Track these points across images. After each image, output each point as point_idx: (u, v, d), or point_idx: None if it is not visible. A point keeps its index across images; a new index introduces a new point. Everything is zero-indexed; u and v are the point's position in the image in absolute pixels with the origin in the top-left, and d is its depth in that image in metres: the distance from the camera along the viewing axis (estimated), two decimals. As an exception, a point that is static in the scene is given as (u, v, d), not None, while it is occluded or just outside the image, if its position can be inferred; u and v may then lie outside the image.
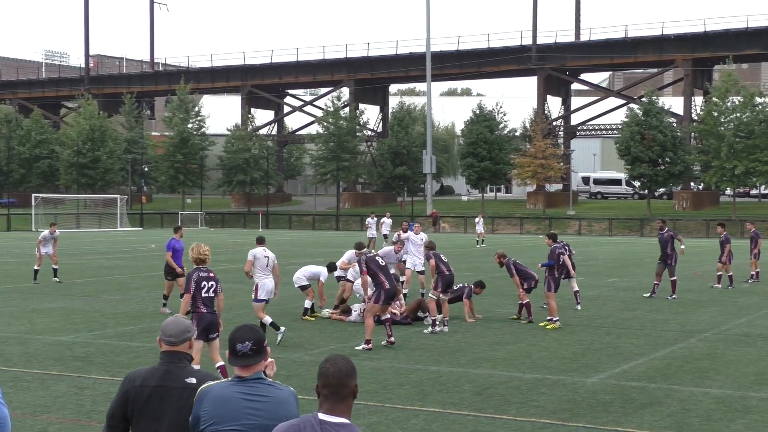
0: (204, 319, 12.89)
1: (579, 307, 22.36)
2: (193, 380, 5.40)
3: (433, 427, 10.93)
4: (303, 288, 20.85)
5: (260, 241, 18.11)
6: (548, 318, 19.88)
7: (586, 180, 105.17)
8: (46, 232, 30.40)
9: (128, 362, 14.85)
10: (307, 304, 20.75)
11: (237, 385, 5.07)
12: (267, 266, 17.52)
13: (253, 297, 17.67)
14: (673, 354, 16.31)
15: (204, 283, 13.07)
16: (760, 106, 77.04)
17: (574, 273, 22.28)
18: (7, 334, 17.95)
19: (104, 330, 18.64)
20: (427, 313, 19.29)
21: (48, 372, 14.05)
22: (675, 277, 25.93)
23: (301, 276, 21.00)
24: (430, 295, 19.50)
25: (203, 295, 13.01)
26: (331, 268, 21.92)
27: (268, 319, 17.26)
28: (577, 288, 22.60)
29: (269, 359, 5.27)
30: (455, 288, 20.04)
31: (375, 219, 49.85)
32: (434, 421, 11.20)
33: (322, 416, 4.42)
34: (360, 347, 16.40)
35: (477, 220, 57.19)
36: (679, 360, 15.68)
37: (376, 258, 17.24)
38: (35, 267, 29.47)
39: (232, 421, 5.01)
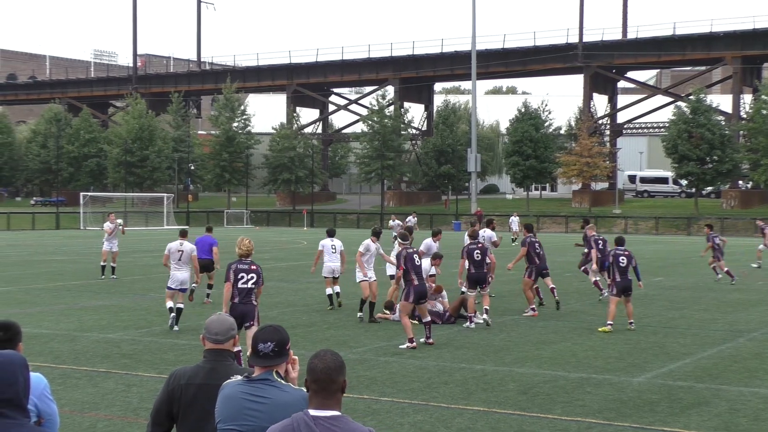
0: (235, 309, 13.53)
1: (543, 303, 22.74)
2: (239, 377, 5.40)
3: (477, 426, 10.90)
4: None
5: (182, 234, 20.03)
6: (531, 307, 21.16)
7: (632, 178, 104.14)
8: (107, 223, 30.05)
9: (175, 359, 14.98)
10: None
11: (244, 384, 5.02)
12: (180, 259, 19.05)
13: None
14: (721, 354, 16.12)
15: (243, 275, 13.71)
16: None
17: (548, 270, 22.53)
18: (56, 331, 18.20)
19: (151, 327, 18.83)
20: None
21: (96, 369, 14.22)
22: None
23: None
24: (465, 291, 19.53)
25: (239, 285, 13.70)
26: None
27: (170, 304, 18.77)
28: (552, 285, 22.29)
29: (293, 358, 5.24)
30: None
31: (397, 221, 48.53)
32: (479, 420, 11.17)
33: (313, 412, 4.40)
34: (404, 346, 16.41)
35: (512, 219, 57.62)
36: (727, 360, 15.50)
37: (414, 255, 17.23)
38: (102, 262, 29.72)
39: (232, 421, 4.98)
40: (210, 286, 23.33)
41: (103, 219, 33.47)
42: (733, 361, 15.41)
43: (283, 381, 5.06)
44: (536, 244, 22.10)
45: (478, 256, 19.28)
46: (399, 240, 18.32)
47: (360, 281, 20.34)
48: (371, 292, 20.04)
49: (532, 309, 21.30)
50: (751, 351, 16.41)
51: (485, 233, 25.04)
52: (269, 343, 5.05)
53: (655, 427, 10.95)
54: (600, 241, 24.59)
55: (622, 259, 18.98)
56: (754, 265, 35.96)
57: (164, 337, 17.48)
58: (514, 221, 56.54)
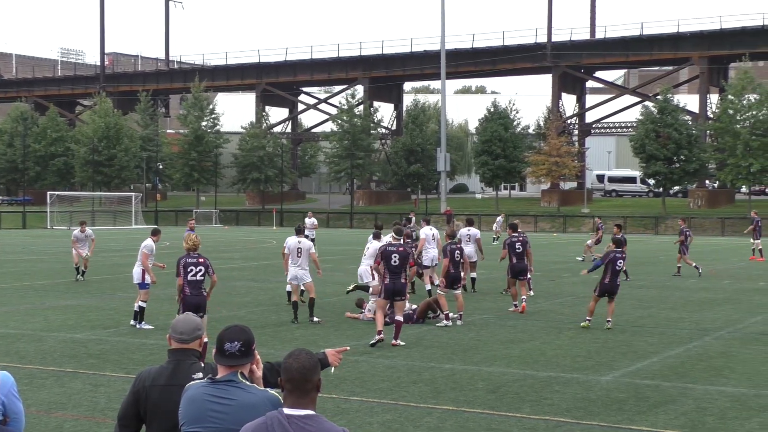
0: (188, 301, 14.45)
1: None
2: (200, 375, 5.34)
3: (446, 425, 10.92)
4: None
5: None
6: (514, 303, 21.68)
7: (600, 178, 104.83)
8: (76, 231, 29.74)
9: (143, 359, 14.89)
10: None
11: (208, 386, 4.97)
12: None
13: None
14: (688, 352, 16.25)
15: (192, 268, 14.60)
16: (776, 104, 76.63)
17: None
18: (22, 331, 18.03)
19: (119, 327, 18.70)
20: (438, 313, 19.42)
21: (63, 369, 14.11)
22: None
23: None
24: (438, 291, 19.60)
25: (189, 278, 14.54)
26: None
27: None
28: (525, 296, 22.22)
29: (257, 358, 5.20)
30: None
31: (313, 219, 45.71)
32: (448, 419, 11.19)
33: (287, 411, 4.41)
34: (373, 341, 16.42)
35: (498, 219, 58.00)
36: (694, 358, 15.63)
37: (393, 254, 17.13)
38: (75, 265, 29.11)
39: (196, 423, 4.93)
40: None
41: (71, 219, 32.92)
42: (700, 359, 15.53)
43: (247, 382, 5.02)
44: (516, 244, 22.36)
45: (458, 256, 19.37)
46: (393, 234, 18.31)
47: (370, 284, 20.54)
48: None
49: (515, 305, 21.64)
50: (717, 350, 16.55)
51: (470, 231, 25.60)
52: (236, 343, 5.01)
53: (623, 425, 11.02)
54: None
55: (620, 263, 19.09)
56: None
57: (132, 337, 17.37)
58: (499, 221, 56.89)
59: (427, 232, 24.42)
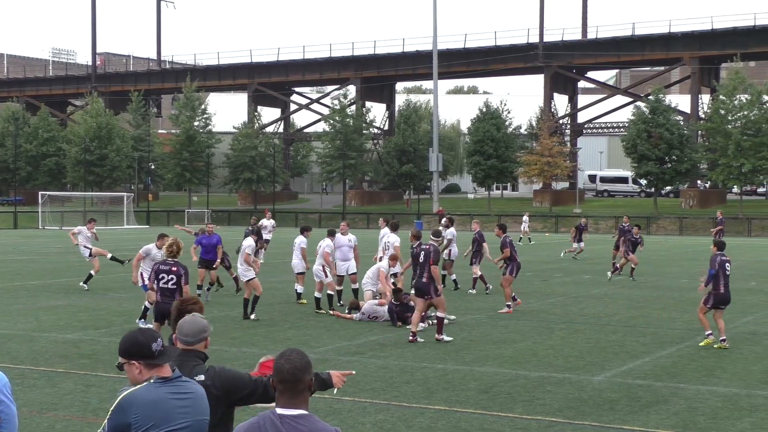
0: (158, 307, 14.45)
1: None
2: (202, 377, 5.37)
3: (438, 425, 10.93)
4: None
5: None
6: (507, 304, 21.59)
7: (592, 178, 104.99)
8: (84, 229, 28.20)
9: (135, 360, 14.84)
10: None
11: (164, 386, 4.94)
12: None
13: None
14: (680, 352, 16.29)
15: (163, 275, 14.37)
16: (767, 104, 76.85)
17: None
18: (14, 331, 17.99)
19: (111, 328, 18.67)
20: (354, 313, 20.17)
21: (55, 369, 14.07)
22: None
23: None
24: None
25: (161, 285, 14.36)
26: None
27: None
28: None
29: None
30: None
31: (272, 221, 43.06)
32: (440, 419, 11.20)
33: (280, 411, 4.44)
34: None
35: (524, 218, 58.45)
36: (686, 358, 15.66)
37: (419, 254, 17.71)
38: (92, 272, 26.90)
39: (168, 423, 4.88)
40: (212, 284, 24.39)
41: (62, 219, 31.91)
42: (692, 359, 15.57)
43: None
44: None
45: (422, 258, 18.10)
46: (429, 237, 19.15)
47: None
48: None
49: (508, 306, 21.64)
50: (708, 350, 16.58)
51: (446, 231, 25.50)
52: (159, 341, 5.07)
53: (615, 425, 11.04)
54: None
55: (728, 266, 16.98)
56: None
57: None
58: (526, 221, 58.08)
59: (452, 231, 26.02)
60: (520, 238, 55.02)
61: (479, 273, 25.71)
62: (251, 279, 20.18)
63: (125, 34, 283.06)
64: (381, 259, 22.27)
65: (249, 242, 20.84)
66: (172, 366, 5.05)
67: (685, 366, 14.91)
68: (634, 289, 27.59)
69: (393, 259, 21.44)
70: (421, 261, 17.31)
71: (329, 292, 21.38)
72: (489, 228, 33.15)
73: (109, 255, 28.05)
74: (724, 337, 16.65)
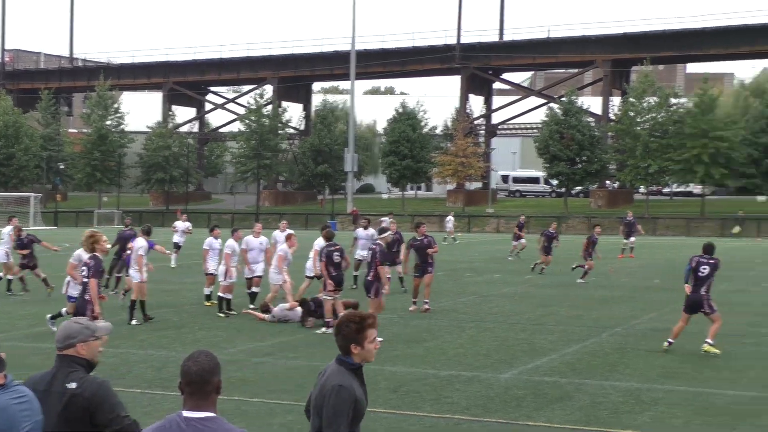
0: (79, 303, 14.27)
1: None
2: (73, 385, 5.28)
3: (346, 425, 10.93)
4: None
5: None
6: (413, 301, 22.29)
7: (505, 178, 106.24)
8: (8, 228, 26.92)
9: (40, 364, 14.51)
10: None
11: (4, 393, 4.81)
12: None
13: None
14: (585, 349, 16.63)
15: (83, 268, 14.22)
16: (674, 107, 78.85)
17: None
18: None
19: (13, 331, 18.26)
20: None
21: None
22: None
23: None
24: (324, 296, 18.85)
25: (83, 280, 14.12)
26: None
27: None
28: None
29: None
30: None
31: (188, 223, 40.42)
32: (348, 419, 11.20)
33: (186, 414, 4.39)
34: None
35: (447, 218, 58.69)
36: (590, 355, 16.00)
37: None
38: (8, 277, 26.20)
39: (13, 430, 4.77)
40: None
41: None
42: (596, 356, 15.91)
43: None
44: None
45: (337, 259, 18.57)
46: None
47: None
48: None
49: (414, 302, 22.17)
50: (612, 346, 16.97)
51: (369, 232, 26.11)
52: None
53: (521, 422, 11.22)
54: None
55: (703, 269, 16.27)
56: None
57: (28, 341, 16.98)
58: (450, 221, 58.04)
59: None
60: (445, 237, 55.46)
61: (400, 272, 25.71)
62: (141, 281, 19.53)
63: (37, 30, 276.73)
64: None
65: (141, 243, 20.07)
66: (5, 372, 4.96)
67: (590, 362, 15.23)
68: (544, 287, 28.03)
69: (289, 238, 21.75)
70: (368, 260, 17.99)
71: (220, 294, 21.25)
72: (403, 228, 33.28)
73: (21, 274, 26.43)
74: (709, 340, 16.15)
